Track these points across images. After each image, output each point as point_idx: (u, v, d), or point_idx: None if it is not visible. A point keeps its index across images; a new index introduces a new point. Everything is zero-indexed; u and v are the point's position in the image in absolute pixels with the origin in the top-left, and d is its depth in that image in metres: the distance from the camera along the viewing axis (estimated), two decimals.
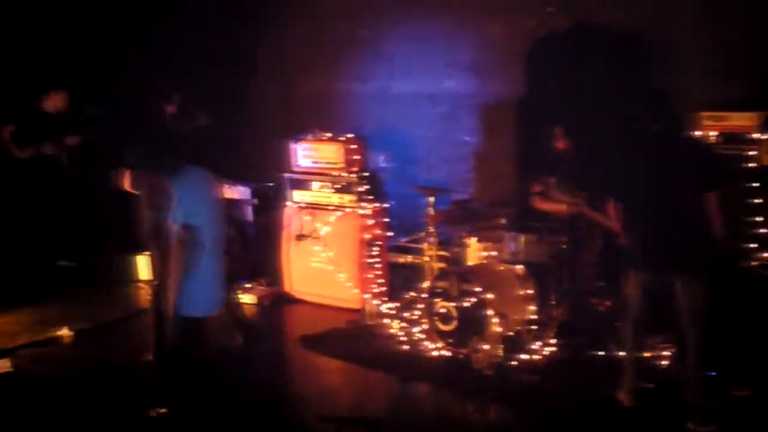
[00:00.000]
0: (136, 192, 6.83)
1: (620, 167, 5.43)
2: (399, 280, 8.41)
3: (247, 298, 8.29)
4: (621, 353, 5.96)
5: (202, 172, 5.41)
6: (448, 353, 6.72)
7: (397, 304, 7.75)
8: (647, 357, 6.15)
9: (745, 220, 5.71)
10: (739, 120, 5.78)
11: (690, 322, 5.25)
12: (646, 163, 5.26)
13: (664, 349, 6.27)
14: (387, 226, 8.36)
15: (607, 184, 5.61)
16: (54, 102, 9.17)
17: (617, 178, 5.47)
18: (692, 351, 5.27)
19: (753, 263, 5.77)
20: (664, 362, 6.20)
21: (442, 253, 7.74)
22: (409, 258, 8.51)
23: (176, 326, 5.32)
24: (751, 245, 5.74)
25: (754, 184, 5.66)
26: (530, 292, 6.78)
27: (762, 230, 5.68)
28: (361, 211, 8.02)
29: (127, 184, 6.94)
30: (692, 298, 5.21)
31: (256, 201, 8.60)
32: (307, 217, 8.24)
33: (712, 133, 5.81)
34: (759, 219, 5.66)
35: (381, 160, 9.16)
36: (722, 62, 6.87)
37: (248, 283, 8.51)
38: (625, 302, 5.61)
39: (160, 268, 6.82)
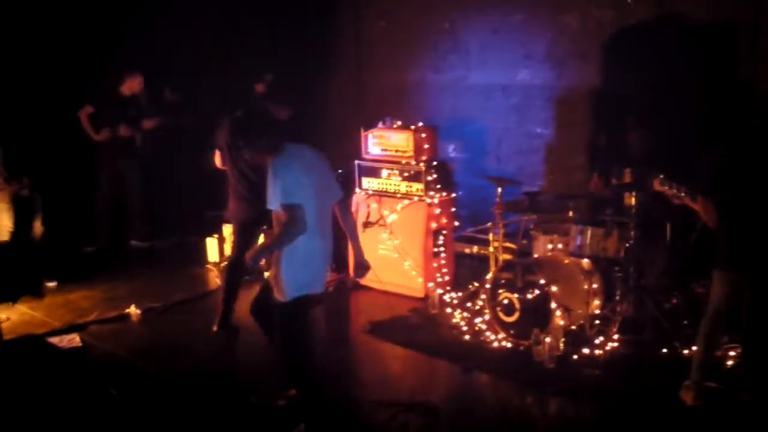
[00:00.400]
0: (227, 170, 6.98)
1: (721, 164, 5.35)
2: (465, 270, 8.43)
3: None
4: (693, 349, 5.89)
5: (303, 150, 5.17)
6: (509, 344, 6.70)
7: (462, 294, 7.74)
8: (715, 356, 6.04)
9: None
10: None
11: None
12: (748, 159, 5.20)
13: (730, 349, 6.13)
14: (454, 216, 8.36)
15: (704, 180, 5.44)
16: (130, 85, 9.40)
17: (717, 175, 5.35)
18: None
19: None
20: (730, 362, 6.07)
21: (509, 244, 7.74)
22: (476, 248, 8.50)
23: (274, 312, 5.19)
24: None
25: None
26: (595, 286, 6.72)
27: None
28: (428, 200, 8.03)
29: (218, 162, 7.10)
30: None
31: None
32: (375, 205, 8.28)
33: None
34: None
35: (451, 150, 9.16)
36: None
37: None
38: (712, 300, 5.52)
39: (240, 242, 7.00)
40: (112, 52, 9.40)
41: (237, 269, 7.00)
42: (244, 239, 7.00)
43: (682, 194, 5.39)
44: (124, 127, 9.36)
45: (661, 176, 5.45)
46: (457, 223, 8.45)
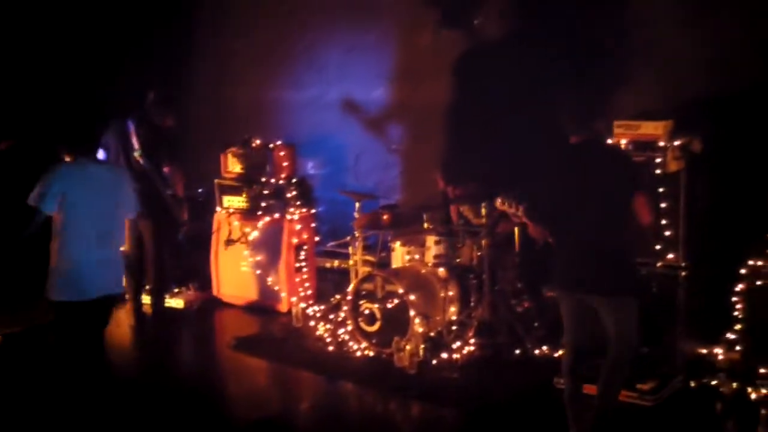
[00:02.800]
0: None
1: (546, 179, 5.26)
2: (327, 284, 8.59)
3: (175, 303, 8.38)
4: (543, 349, 6.34)
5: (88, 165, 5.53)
6: (372, 353, 6.90)
7: (324, 307, 7.90)
8: None
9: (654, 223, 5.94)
10: (648, 129, 6.01)
11: (616, 342, 5.01)
12: (570, 173, 5.10)
13: None
14: (315, 231, 8.52)
15: (531, 196, 5.33)
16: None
17: (543, 191, 5.25)
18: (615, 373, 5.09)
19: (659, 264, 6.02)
20: None
21: (368, 257, 7.95)
22: (337, 262, 8.68)
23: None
24: (658, 247, 5.98)
25: (660, 189, 5.90)
26: (451, 293, 6.99)
27: (667, 233, 5.93)
28: (289, 217, 8.15)
29: None
30: (616, 320, 4.97)
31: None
32: (236, 223, 8.35)
33: (623, 141, 6.05)
34: (664, 222, 5.91)
35: (310, 167, 9.30)
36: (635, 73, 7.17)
37: (177, 287, 8.60)
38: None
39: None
40: None
41: None
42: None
43: (519, 212, 5.33)
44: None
45: (502, 195, 5.43)
46: (317, 238, 8.61)
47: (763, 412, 5.58)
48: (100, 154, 7.28)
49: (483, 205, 6.92)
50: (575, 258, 5.05)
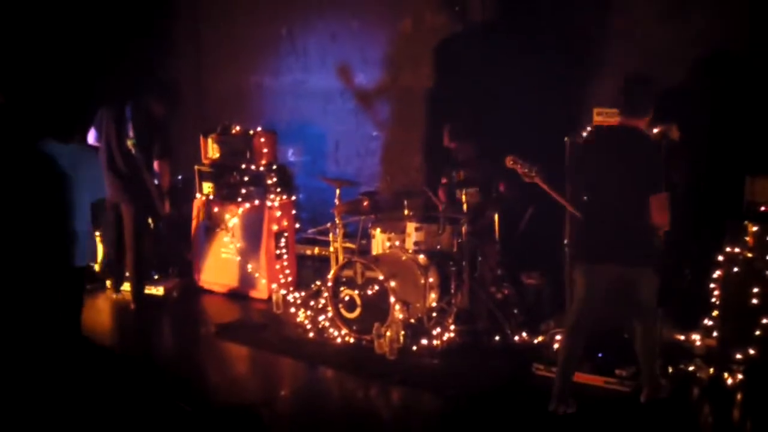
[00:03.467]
0: None
1: (591, 155, 5.50)
2: (307, 271, 8.60)
3: (155, 290, 8.36)
4: (523, 335, 6.53)
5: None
6: (353, 340, 6.91)
7: (305, 294, 7.90)
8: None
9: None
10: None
11: (640, 313, 5.44)
12: (614, 153, 5.32)
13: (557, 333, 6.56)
14: (295, 218, 8.51)
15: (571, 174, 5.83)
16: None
17: (588, 165, 5.50)
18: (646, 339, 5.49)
19: None
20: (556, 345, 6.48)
21: (349, 244, 7.96)
22: (317, 249, 8.68)
23: None
24: None
25: None
26: (432, 280, 7.01)
27: None
28: (269, 203, 8.14)
29: None
30: (644, 288, 5.37)
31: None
32: (216, 209, 8.33)
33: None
34: None
35: (290, 154, 9.29)
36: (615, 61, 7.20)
37: (157, 274, 8.58)
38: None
39: None
40: None
41: None
42: None
43: (533, 173, 5.80)
44: None
45: (514, 154, 5.86)
46: (298, 225, 8.60)
47: (738, 397, 5.67)
48: (91, 135, 7.69)
49: (463, 191, 6.93)
50: (610, 231, 5.31)
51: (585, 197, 5.55)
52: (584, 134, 6.15)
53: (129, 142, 7.51)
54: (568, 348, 5.55)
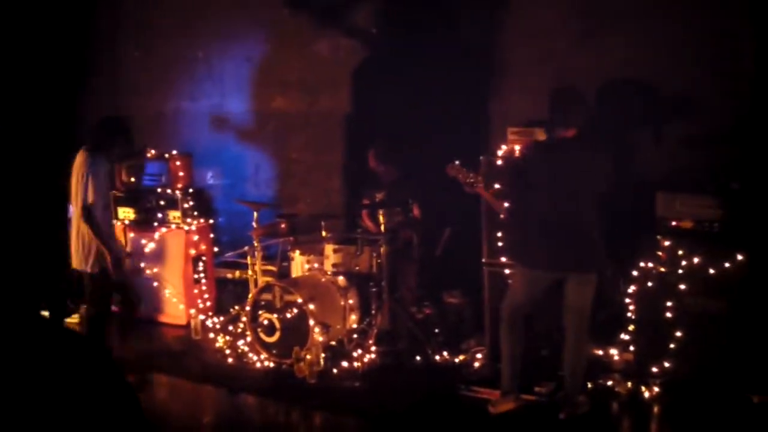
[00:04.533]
0: None
1: (537, 164, 5.63)
2: (228, 295, 8.48)
3: (70, 318, 8.12)
4: (444, 354, 6.55)
5: None
6: (272, 364, 6.82)
7: (224, 319, 7.79)
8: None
9: None
10: (541, 135, 6.11)
11: (578, 318, 5.58)
12: (562, 163, 5.52)
13: (477, 351, 6.58)
14: (215, 242, 8.40)
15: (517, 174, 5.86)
16: None
17: (533, 173, 5.63)
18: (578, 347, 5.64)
19: None
20: (477, 364, 6.50)
21: (269, 267, 7.87)
22: (237, 273, 8.57)
23: None
24: None
25: None
26: (351, 302, 6.97)
27: None
28: (186, 227, 8.02)
29: None
30: (582, 293, 5.55)
31: None
32: (132, 234, 8.16)
33: (517, 147, 6.16)
34: None
35: (208, 177, 9.18)
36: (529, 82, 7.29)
37: (72, 303, 8.34)
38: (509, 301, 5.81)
39: None
40: None
41: None
42: None
43: (476, 183, 5.91)
44: None
45: (456, 162, 5.94)
46: (216, 249, 8.49)
47: (656, 410, 5.75)
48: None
49: (381, 212, 6.91)
50: (556, 238, 5.47)
51: (527, 206, 5.65)
52: (500, 153, 6.22)
53: None
54: (511, 343, 5.72)
